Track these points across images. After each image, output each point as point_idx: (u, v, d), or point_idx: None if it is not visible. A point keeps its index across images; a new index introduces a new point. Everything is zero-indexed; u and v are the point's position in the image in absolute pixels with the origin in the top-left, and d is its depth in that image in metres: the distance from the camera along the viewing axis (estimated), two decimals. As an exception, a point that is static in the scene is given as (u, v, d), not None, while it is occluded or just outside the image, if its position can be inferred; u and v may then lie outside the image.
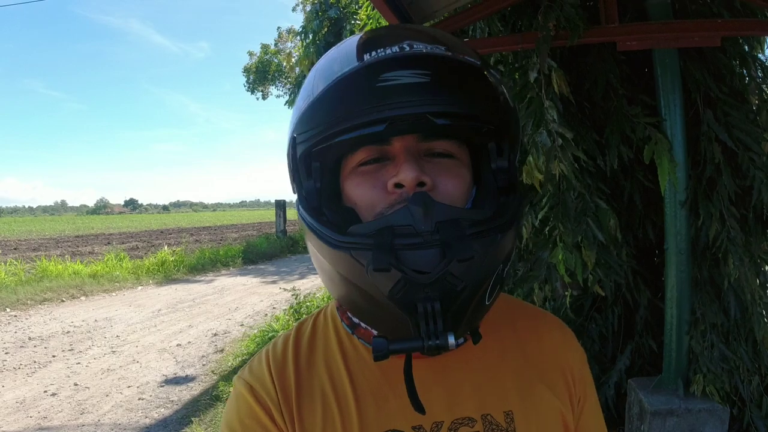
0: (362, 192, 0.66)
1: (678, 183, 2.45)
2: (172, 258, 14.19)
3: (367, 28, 4.31)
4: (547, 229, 2.75)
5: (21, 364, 5.92)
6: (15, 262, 12.30)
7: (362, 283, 0.61)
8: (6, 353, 6.37)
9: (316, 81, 0.66)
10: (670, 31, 2.29)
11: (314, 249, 0.68)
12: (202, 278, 13.06)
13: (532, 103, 2.59)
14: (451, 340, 0.57)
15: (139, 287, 11.80)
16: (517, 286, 3.22)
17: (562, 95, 2.51)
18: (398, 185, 0.63)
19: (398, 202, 0.63)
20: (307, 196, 0.69)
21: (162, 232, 32.72)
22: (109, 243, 21.89)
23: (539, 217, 2.76)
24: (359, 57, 0.62)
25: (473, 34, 3.07)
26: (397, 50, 0.61)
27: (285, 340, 0.79)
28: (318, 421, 0.70)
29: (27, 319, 8.36)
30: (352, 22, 5.68)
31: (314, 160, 0.67)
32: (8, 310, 8.91)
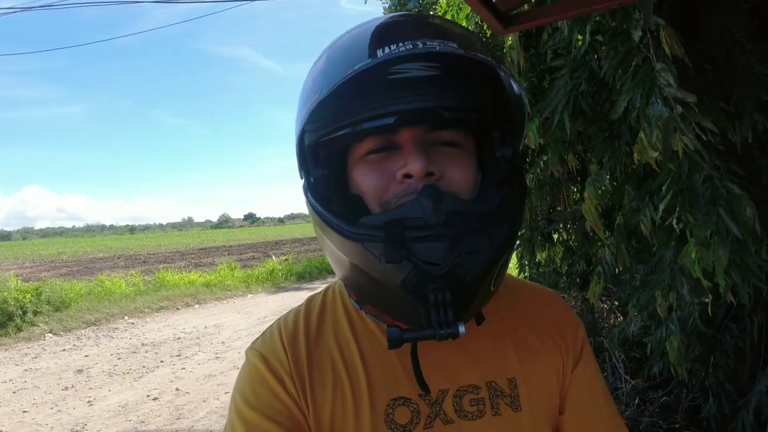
0: (370, 181, 0.68)
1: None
2: (281, 267, 14.72)
3: (447, 16, 4.00)
4: (671, 221, 2.27)
5: (130, 369, 6.23)
6: (135, 274, 13.26)
7: (374, 272, 0.63)
8: (118, 359, 6.75)
9: (327, 71, 0.66)
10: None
11: (324, 236, 0.70)
12: (309, 286, 13.39)
13: (639, 71, 2.16)
14: (461, 329, 0.60)
15: (249, 295, 12.31)
16: (635, 293, 2.78)
17: (675, 57, 2.06)
18: (407, 175, 0.65)
19: (406, 193, 0.65)
20: (315, 184, 0.71)
21: (277, 242, 34.45)
22: (228, 254, 23.19)
23: (661, 207, 2.28)
24: (372, 53, 0.62)
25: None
26: (411, 47, 0.61)
27: (296, 314, 0.81)
28: (329, 390, 0.72)
29: (143, 326, 8.90)
30: (431, 12, 5.43)
31: (322, 149, 0.70)
32: (126, 318, 9.56)
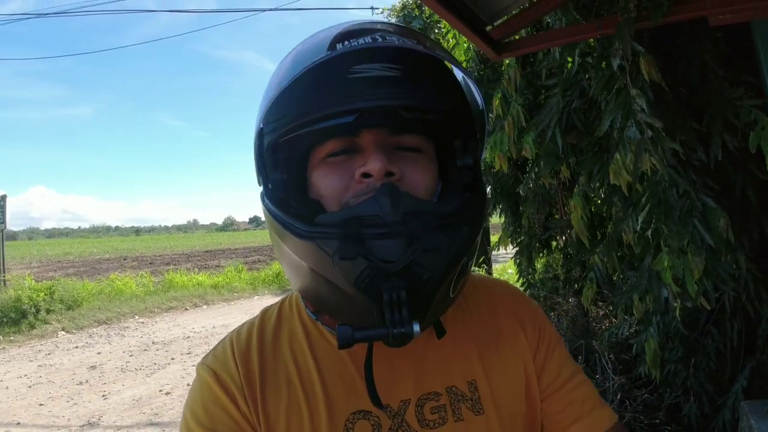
0: (329, 182, 0.67)
1: (793, 172, 2.11)
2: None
3: (449, 36, 4.23)
4: (648, 231, 2.48)
5: (142, 366, 6.45)
6: (145, 275, 13.51)
7: (328, 273, 0.61)
8: (130, 356, 6.97)
9: (286, 70, 0.66)
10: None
11: (280, 241, 0.67)
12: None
13: (620, 94, 2.37)
14: (416, 328, 0.58)
15: (255, 297, 12.50)
16: (621, 297, 2.97)
17: (653, 82, 2.27)
18: (366, 175, 0.64)
19: (365, 192, 0.64)
20: (273, 188, 0.69)
21: (280, 246, 34.36)
22: (233, 257, 23.39)
23: (641, 219, 2.50)
24: (330, 47, 0.62)
25: (552, 24, 2.90)
26: (370, 41, 0.61)
27: (249, 327, 0.78)
28: (282, 407, 0.70)
29: (153, 325, 9.13)
30: (436, 31, 5.66)
31: (281, 150, 0.69)
32: (137, 317, 9.79)
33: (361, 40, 0.61)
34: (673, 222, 2.34)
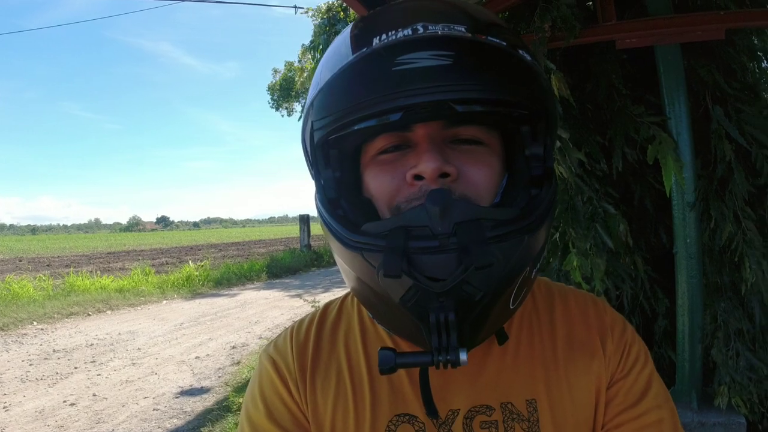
0: (380, 183, 0.62)
1: (685, 183, 2.36)
2: (197, 273, 14.39)
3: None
4: (557, 235, 2.67)
5: (43, 376, 6.03)
6: (44, 278, 12.60)
7: (375, 285, 0.58)
8: (30, 365, 6.50)
9: (328, 64, 0.62)
10: (671, 26, 2.22)
11: (332, 245, 0.65)
12: (227, 292, 13.18)
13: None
14: (463, 357, 0.53)
15: (164, 301, 11.98)
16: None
17: (562, 98, 2.46)
18: (418, 176, 0.59)
19: (416, 197, 0.59)
20: (324, 186, 0.65)
21: (192, 248, 33.18)
22: (139, 259, 22.30)
23: (549, 223, 2.68)
24: (365, 42, 0.57)
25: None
26: (410, 32, 0.56)
27: (311, 319, 0.80)
28: (330, 399, 0.70)
29: (53, 332, 8.53)
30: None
31: (332, 147, 0.64)
32: (35, 323, 9.12)
33: (400, 33, 0.56)
34: (579, 226, 2.54)
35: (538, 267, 0.63)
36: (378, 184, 0.63)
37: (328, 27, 5.98)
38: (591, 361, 0.70)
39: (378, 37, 0.57)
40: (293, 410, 0.71)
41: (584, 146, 2.55)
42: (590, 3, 2.70)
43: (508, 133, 0.65)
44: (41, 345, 7.61)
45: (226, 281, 14.52)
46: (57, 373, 6.15)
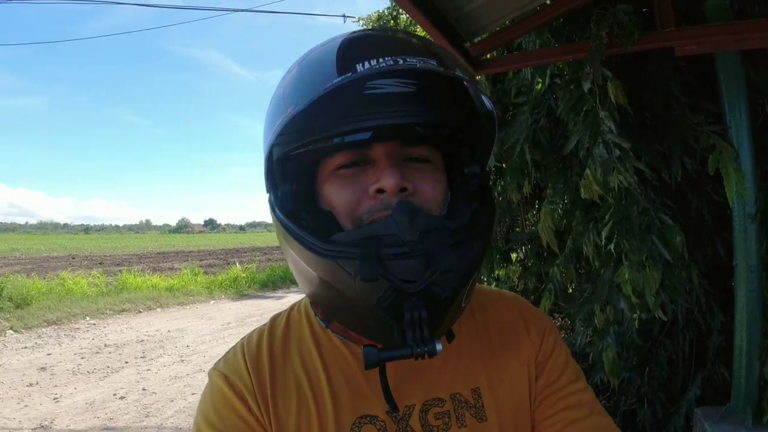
0: (342, 196, 0.67)
1: (747, 194, 2.27)
2: (244, 275, 14.72)
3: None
4: (611, 246, 2.62)
5: (94, 369, 6.27)
6: (98, 275, 13.10)
7: (348, 290, 0.62)
8: (82, 358, 6.77)
9: (300, 85, 0.64)
10: (730, 33, 2.14)
11: (293, 253, 0.68)
12: (272, 294, 13.43)
13: (589, 116, 2.50)
14: (439, 347, 0.60)
15: (212, 301, 12.28)
16: (581, 308, 3.08)
17: (619, 106, 2.41)
18: (380, 191, 0.64)
19: (379, 209, 0.64)
20: (282, 199, 0.69)
21: (238, 250, 33.88)
22: (188, 260, 22.90)
23: (603, 233, 2.63)
24: (349, 67, 0.59)
25: (525, 46, 3.01)
26: (392, 63, 0.59)
27: (260, 334, 0.80)
28: (292, 409, 0.71)
29: (105, 327, 8.87)
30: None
31: (290, 162, 0.68)
32: (88, 318, 9.50)
33: (382, 63, 0.59)
34: (634, 237, 2.48)
35: (480, 270, 0.70)
36: (340, 196, 0.67)
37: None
38: (519, 347, 0.80)
39: (361, 64, 0.59)
40: (252, 425, 0.70)
41: (643, 155, 2.49)
42: (646, 9, 2.64)
43: (450, 152, 0.73)
44: (93, 339, 7.92)
45: (271, 283, 14.81)
46: (108, 366, 6.38)
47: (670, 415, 3.10)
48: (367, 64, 0.59)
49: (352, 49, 0.64)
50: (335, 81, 0.59)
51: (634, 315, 2.92)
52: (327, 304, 0.71)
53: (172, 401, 5.13)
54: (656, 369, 3.20)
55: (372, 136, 0.62)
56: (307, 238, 0.64)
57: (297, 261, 0.68)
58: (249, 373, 0.73)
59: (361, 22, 6.97)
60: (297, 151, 0.66)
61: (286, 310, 0.84)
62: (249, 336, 0.80)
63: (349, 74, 0.59)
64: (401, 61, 0.60)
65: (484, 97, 0.68)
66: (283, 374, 0.74)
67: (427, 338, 0.59)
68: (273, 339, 0.78)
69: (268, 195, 0.73)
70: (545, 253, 3.55)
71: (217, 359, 0.79)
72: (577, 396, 0.78)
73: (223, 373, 0.74)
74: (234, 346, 0.79)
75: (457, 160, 0.74)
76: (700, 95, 2.58)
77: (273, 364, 0.75)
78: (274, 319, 0.83)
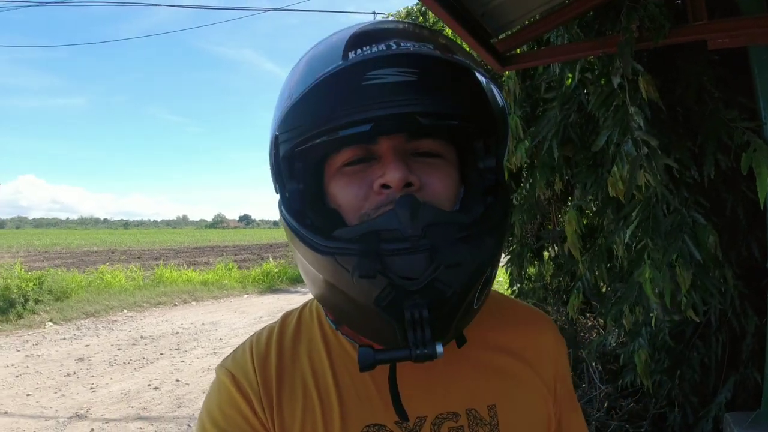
0: (347, 193, 0.65)
1: (782, 194, 2.19)
2: (276, 270, 14.93)
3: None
4: (637, 245, 2.56)
5: (130, 360, 6.45)
6: (135, 269, 13.47)
7: (348, 288, 0.60)
8: (118, 349, 6.98)
9: (299, 77, 0.65)
10: (764, 26, 2.05)
11: (298, 253, 0.67)
12: (303, 289, 13.59)
13: (619, 111, 2.45)
14: (439, 349, 0.57)
15: (245, 295, 12.50)
16: (612, 308, 3.03)
17: (650, 100, 2.35)
18: (385, 186, 0.62)
19: (384, 204, 0.62)
20: (290, 198, 0.68)
21: (271, 245, 34.34)
22: (223, 254, 23.32)
23: (628, 231, 2.58)
24: (344, 55, 0.60)
25: (554, 41, 2.97)
26: (384, 48, 0.59)
27: (269, 332, 0.78)
28: (298, 413, 0.69)
29: (141, 320, 9.12)
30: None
31: (297, 160, 0.66)
32: (125, 311, 9.77)
33: (374, 48, 0.59)
34: (659, 236, 2.42)
35: (496, 270, 0.67)
36: (346, 193, 0.65)
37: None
38: (543, 369, 0.77)
39: (354, 52, 0.60)
40: (255, 427, 0.69)
41: (674, 152, 2.42)
42: (679, 1, 2.57)
43: (463, 147, 0.70)
44: (130, 331, 8.15)
45: (302, 279, 14.98)
46: (143, 358, 6.56)
47: (699, 419, 3.02)
48: (359, 51, 0.59)
49: (349, 39, 0.63)
50: (326, 70, 0.60)
51: (667, 318, 2.85)
52: (334, 307, 0.68)
53: (204, 392, 5.22)
54: (688, 372, 3.11)
55: (374, 129, 0.59)
56: (309, 236, 0.62)
57: (303, 262, 0.66)
58: (256, 374, 0.72)
59: (389, 18, 6.98)
60: (301, 147, 0.63)
61: (298, 308, 0.82)
62: (259, 333, 0.79)
63: (340, 62, 0.59)
64: (394, 46, 0.59)
65: (494, 88, 0.66)
66: (290, 376, 0.72)
67: (428, 339, 0.56)
68: (283, 338, 0.76)
69: (278, 196, 0.72)
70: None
71: (226, 356, 0.79)
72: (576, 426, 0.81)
73: (231, 371, 0.73)
74: (243, 343, 0.78)
75: (471, 155, 0.69)
76: (734, 89, 2.50)
77: (281, 365, 0.73)
78: (285, 318, 0.81)
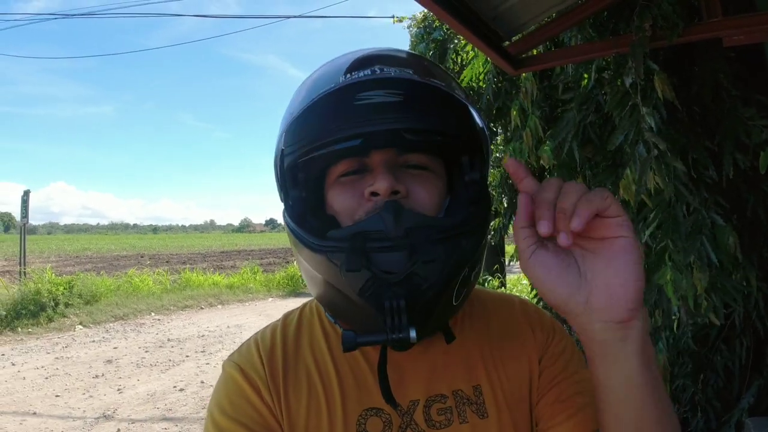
0: (342, 200, 0.72)
1: (803, 193, 2.14)
2: (300, 273, 15.02)
3: (468, 48, 4.29)
4: (656, 247, 2.52)
5: (157, 362, 6.57)
6: (163, 273, 13.71)
7: (337, 282, 0.67)
8: (146, 352, 7.11)
9: (304, 95, 0.73)
10: (780, 22, 2.03)
11: (298, 254, 0.73)
12: (324, 294, 13.63)
13: (633, 112, 2.42)
14: (413, 333, 0.63)
15: (270, 299, 12.62)
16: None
17: (666, 100, 2.32)
18: (374, 193, 0.69)
19: (373, 210, 0.68)
20: (293, 205, 0.74)
21: (295, 249, 34.49)
22: (249, 258, 23.57)
23: (647, 232, 2.54)
24: (336, 80, 0.70)
25: (567, 42, 2.95)
26: (369, 73, 0.69)
27: (273, 329, 0.84)
28: (303, 400, 0.75)
29: (168, 323, 9.28)
30: (455, 41, 5.71)
31: (300, 171, 0.74)
32: (153, 314, 9.95)
33: (361, 73, 0.69)
34: (680, 238, 2.38)
35: (477, 271, 0.73)
36: (341, 200, 0.72)
37: (424, 35, 6.03)
38: (522, 348, 0.83)
39: (344, 76, 0.69)
40: (264, 415, 0.73)
41: (691, 152, 2.39)
42: (694, -1, 2.53)
43: (451, 161, 0.77)
44: (157, 334, 8.30)
45: (323, 284, 15.04)
46: (170, 360, 6.68)
47: (722, 424, 2.95)
48: (349, 76, 0.69)
49: (343, 65, 0.72)
50: (321, 92, 0.69)
51: (690, 321, 2.80)
52: (329, 303, 0.75)
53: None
54: (711, 376, 3.05)
55: (364, 143, 0.67)
56: (306, 237, 0.69)
57: (305, 264, 0.73)
58: (263, 364, 0.77)
59: (405, 22, 6.99)
60: (303, 159, 0.71)
61: (298, 307, 0.88)
62: (262, 331, 0.84)
63: (333, 85, 0.69)
64: (378, 71, 0.69)
65: (472, 110, 0.74)
66: (294, 367, 0.78)
67: (404, 326, 0.62)
68: (286, 334, 0.82)
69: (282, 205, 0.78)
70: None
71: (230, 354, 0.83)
72: (585, 384, 0.79)
73: (238, 363, 0.78)
74: (247, 341, 0.83)
75: (458, 168, 0.77)
76: (751, 87, 2.44)
77: (286, 356, 0.79)
78: (287, 316, 0.87)
